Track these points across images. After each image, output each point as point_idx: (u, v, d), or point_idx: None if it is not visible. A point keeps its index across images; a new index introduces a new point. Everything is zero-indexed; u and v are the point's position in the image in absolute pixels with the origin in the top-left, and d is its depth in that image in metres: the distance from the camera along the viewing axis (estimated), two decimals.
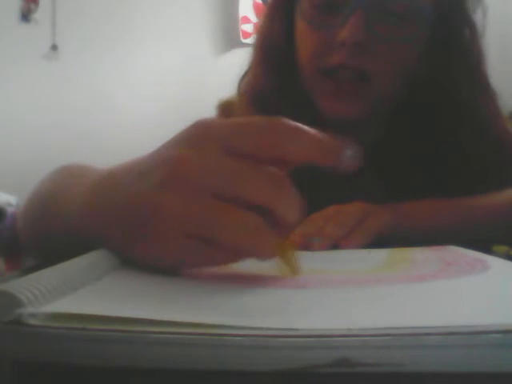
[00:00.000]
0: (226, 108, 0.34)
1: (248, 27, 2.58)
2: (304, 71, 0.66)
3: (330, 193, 0.65)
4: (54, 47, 2.56)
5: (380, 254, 0.43)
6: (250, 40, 2.55)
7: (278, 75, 0.68)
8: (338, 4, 0.61)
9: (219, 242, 0.27)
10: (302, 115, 0.67)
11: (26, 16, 2.53)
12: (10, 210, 1.87)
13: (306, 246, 0.48)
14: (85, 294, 0.23)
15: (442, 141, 0.66)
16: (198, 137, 0.29)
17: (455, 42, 0.65)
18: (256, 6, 2.57)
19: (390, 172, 0.67)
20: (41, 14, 2.54)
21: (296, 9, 0.65)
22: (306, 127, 0.28)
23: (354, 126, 0.63)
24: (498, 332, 0.18)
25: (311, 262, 0.42)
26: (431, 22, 0.62)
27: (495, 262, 0.34)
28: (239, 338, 0.18)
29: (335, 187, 0.66)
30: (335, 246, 0.49)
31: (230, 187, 0.27)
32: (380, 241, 0.51)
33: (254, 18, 2.58)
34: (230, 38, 2.64)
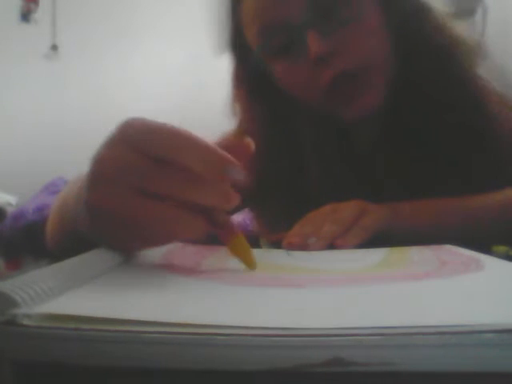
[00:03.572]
0: None
1: None
2: (309, 102, 0.67)
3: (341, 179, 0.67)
4: (54, 47, 2.57)
5: (377, 253, 0.43)
6: None
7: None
8: (292, 40, 0.62)
9: (143, 227, 0.32)
10: (328, 126, 0.68)
11: (25, 16, 2.53)
12: (9, 209, 1.87)
13: (304, 247, 0.48)
14: (79, 295, 0.23)
15: (432, 130, 0.66)
16: (116, 137, 0.33)
17: (413, 31, 0.65)
18: None
19: (399, 160, 0.68)
20: (41, 14, 2.54)
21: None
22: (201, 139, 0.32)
23: (365, 119, 0.65)
24: (490, 331, 0.18)
25: (309, 261, 0.42)
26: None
27: (490, 262, 0.34)
28: (232, 338, 0.18)
29: (347, 173, 0.68)
30: (332, 246, 0.49)
31: (139, 181, 0.32)
32: (377, 240, 0.51)
33: None
34: None
